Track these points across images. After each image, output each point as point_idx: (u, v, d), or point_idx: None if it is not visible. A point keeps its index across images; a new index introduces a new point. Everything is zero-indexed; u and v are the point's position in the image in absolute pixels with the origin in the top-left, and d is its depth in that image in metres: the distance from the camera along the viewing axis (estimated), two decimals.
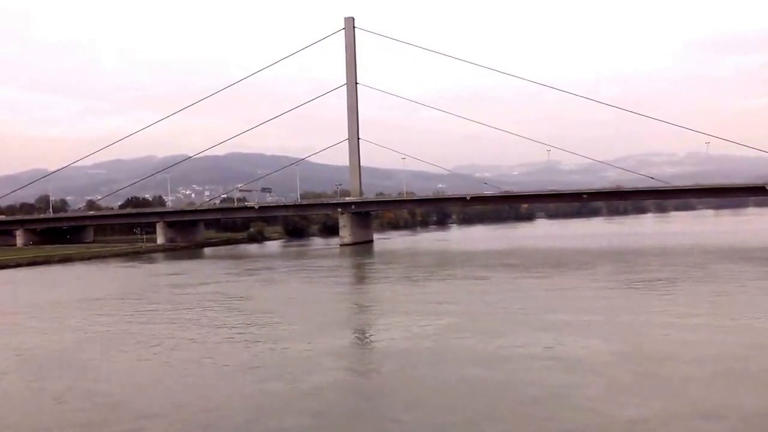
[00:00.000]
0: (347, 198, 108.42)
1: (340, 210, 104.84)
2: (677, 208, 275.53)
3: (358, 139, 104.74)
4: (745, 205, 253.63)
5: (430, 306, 34.79)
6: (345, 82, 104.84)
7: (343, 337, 28.05)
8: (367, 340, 27.91)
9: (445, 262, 68.20)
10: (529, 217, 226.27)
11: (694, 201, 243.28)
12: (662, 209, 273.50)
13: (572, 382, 19.07)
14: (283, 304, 37.87)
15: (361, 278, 56.70)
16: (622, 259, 62.14)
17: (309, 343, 26.13)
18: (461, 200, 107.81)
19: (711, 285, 39.93)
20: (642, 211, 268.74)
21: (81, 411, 18.38)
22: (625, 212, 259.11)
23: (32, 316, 36.98)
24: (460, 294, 39.96)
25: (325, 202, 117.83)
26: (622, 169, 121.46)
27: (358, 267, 66.97)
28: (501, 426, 15.91)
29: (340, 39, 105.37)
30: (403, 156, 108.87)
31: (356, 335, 29.06)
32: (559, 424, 15.68)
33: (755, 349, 22.51)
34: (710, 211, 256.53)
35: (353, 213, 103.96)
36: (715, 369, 20.08)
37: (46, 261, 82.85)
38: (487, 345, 24.52)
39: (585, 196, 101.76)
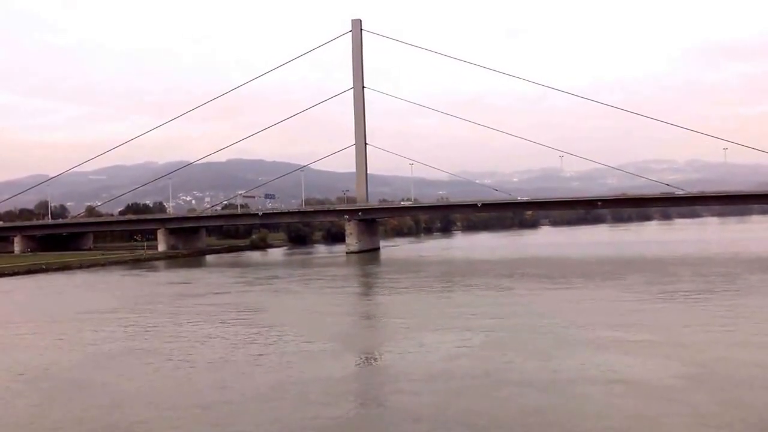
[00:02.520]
0: (354, 205, 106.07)
1: (346, 217, 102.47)
2: (681, 216, 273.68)
3: (365, 144, 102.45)
4: (749, 213, 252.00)
5: (460, 320, 32.26)
6: (350, 86, 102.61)
7: (373, 357, 25.78)
8: (400, 360, 24.70)
9: (460, 271, 65.84)
10: (533, 225, 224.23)
11: (698, 208, 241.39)
12: (666, 216, 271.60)
13: (651, 411, 16.61)
14: (300, 318, 35.38)
15: (376, 289, 54.10)
16: (646, 268, 59.67)
17: (339, 363, 23.68)
18: (471, 207, 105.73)
19: (755, 297, 37.62)
20: (646, 218, 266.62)
21: None
22: (629, 219, 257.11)
23: (34, 331, 34.35)
24: (487, 306, 37.40)
25: (331, 208, 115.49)
26: (632, 174, 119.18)
27: (370, 276, 64.60)
28: None
29: (341, 44, 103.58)
30: (411, 162, 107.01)
31: (387, 355, 26.29)
32: None
33: None
34: (714, 219, 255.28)
35: (360, 220, 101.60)
36: None
37: (44, 269, 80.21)
38: (537, 366, 21.92)
39: (599, 203, 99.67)
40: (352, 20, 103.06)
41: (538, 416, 16.65)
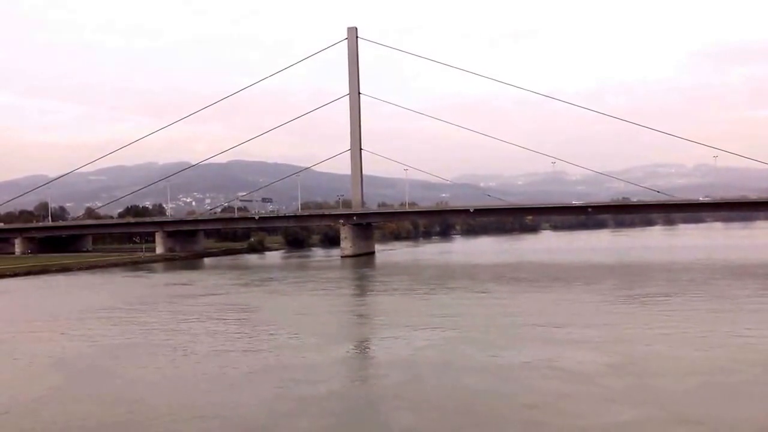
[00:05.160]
0: (349, 209, 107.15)
1: (341, 221, 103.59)
2: (685, 221, 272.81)
3: (361, 149, 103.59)
4: (754, 218, 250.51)
5: (435, 319, 34.79)
6: (348, 92, 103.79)
7: (353, 348, 28.99)
8: (375, 351, 28.41)
9: (449, 274, 67.34)
10: (533, 229, 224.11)
11: (702, 213, 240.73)
12: (670, 221, 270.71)
13: (571, 390, 19.94)
14: (290, 317, 37.93)
15: (364, 291, 56.28)
16: (627, 273, 61.29)
17: (321, 354, 26.48)
18: (464, 212, 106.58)
19: (711, 301, 39.38)
20: (649, 223, 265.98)
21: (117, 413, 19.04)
22: (632, 224, 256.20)
23: (45, 327, 36.42)
24: (463, 307, 39.63)
25: (327, 213, 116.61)
26: (627, 181, 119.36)
27: (361, 279, 66.37)
28: (504, 430, 17.00)
29: (345, 48, 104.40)
30: (406, 167, 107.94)
31: (365, 347, 29.80)
32: (552, 427, 16.83)
33: (744, 363, 23.10)
34: (719, 224, 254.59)
35: (354, 224, 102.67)
36: (701, 381, 20.71)
37: (44, 270, 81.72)
38: (490, 357, 24.91)
39: (590, 209, 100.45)
40: (347, 28, 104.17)
41: (478, 394, 19.98)
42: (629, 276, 58.51)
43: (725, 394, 19.38)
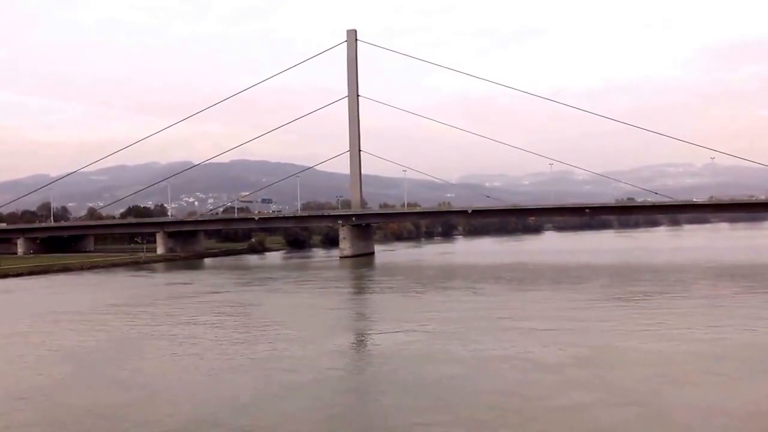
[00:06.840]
0: (348, 210, 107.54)
1: (340, 222, 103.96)
2: (690, 221, 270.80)
3: (359, 151, 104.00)
4: (761, 219, 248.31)
5: (422, 316, 36.14)
6: (347, 93, 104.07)
7: (343, 342, 30.64)
8: (363, 345, 30.44)
9: (444, 275, 67.98)
10: (536, 230, 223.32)
11: (707, 214, 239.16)
12: (675, 222, 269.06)
13: (535, 378, 21.59)
14: (286, 315, 39.42)
15: (359, 290, 57.40)
16: (620, 274, 61.79)
17: (314, 347, 28.22)
18: (464, 213, 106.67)
19: (692, 302, 40.10)
20: (654, 223, 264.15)
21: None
22: (636, 225, 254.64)
23: (54, 323, 37.62)
24: (450, 305, 40.70)
25: (326, 213, 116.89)
26: (630, 184, 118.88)
27: (358, 279, 67.31)
28: (466, 410, 18.48)
29: (345, 50, 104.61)
30: (404, 169, 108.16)
31: (352, 341, 31.70)
32: (513, 407, 18.62)
33: (704, 357, 24.47)
34: (725, 225, 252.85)
35: (353, 225, 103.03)
36: (659, 371, 22.12)
37: (46, 270, 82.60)
38: (467, 349, 26.55)
39: (588, 210, 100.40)
40: (347, 30, 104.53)
41: (453, 381, 21.71)
42: (621, 277, 58.99)
43: (676, 382, 20.95)
